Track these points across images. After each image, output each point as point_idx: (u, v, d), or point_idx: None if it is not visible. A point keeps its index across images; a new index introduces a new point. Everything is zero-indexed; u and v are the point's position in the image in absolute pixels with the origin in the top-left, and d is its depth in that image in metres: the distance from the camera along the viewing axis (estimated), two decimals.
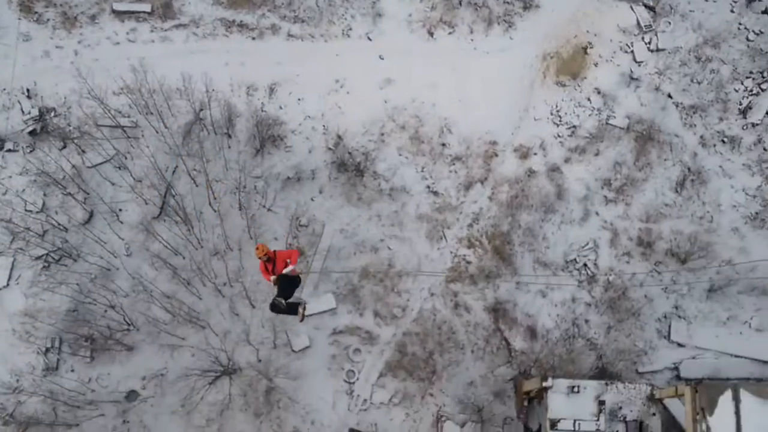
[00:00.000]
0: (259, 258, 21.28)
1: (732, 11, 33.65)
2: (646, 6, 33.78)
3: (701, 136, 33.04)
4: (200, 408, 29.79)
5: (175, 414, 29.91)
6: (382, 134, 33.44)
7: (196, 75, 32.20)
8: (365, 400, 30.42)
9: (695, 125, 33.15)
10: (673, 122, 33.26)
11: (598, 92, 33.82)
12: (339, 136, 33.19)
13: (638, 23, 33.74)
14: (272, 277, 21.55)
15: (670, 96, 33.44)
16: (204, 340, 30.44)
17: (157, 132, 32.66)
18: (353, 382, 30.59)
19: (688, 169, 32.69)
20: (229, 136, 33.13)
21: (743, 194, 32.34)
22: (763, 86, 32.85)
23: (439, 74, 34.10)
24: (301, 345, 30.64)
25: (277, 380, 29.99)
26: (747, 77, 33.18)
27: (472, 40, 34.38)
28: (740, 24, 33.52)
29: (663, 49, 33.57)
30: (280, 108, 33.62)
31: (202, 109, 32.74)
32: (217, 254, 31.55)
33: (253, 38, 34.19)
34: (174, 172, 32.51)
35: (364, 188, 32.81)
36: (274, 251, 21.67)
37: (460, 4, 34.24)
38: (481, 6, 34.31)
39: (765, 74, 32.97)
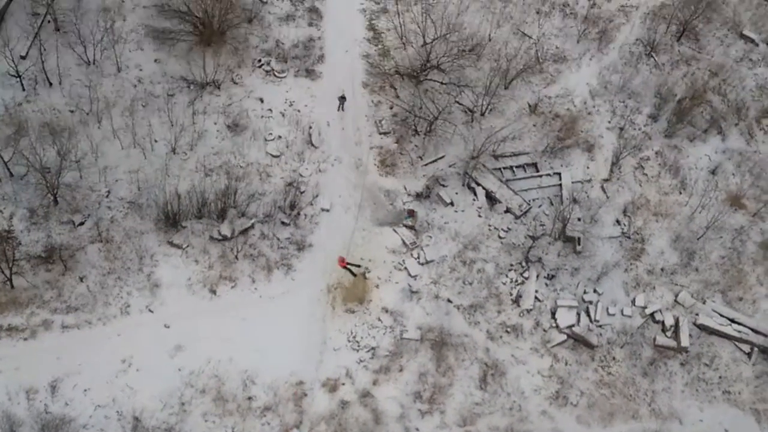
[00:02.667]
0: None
1: (479, 216, 37.59)
2: (406, 227, 36.78)
3: (487, 331, 35.14)
4: None
5: None
6: (183, 404, 31.78)
7: None
8: None
9: (479, 322, 35.32)
10: (459, 324, 35.20)
11: (386, 311, 35.20)
12: (136, 418, 30.99)
13: (404, 243, 36.44)
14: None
15: (449, 301, 35.66)
16: None
17: None
18: None
19: (486, 364, 34.31)
20: None
21: (540, 377, 34.33)
22: (525, 274, 36.32)
23: (230, 328, 33.72)
24: None
25: None
26: (509, 270, 36.52)
27: (255, 289, 34.84)
28: (490, 225, 37.43)
29: (432, 261, 36.24)
30: (66, 404, 30.99)
31: None
32: None
33: (25, 339, 32.02)
34: None
35: None
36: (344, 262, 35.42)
37: (237, 258, 34.98)
38: (257, 256, 35.28)
39: (523, 264, 36.56)
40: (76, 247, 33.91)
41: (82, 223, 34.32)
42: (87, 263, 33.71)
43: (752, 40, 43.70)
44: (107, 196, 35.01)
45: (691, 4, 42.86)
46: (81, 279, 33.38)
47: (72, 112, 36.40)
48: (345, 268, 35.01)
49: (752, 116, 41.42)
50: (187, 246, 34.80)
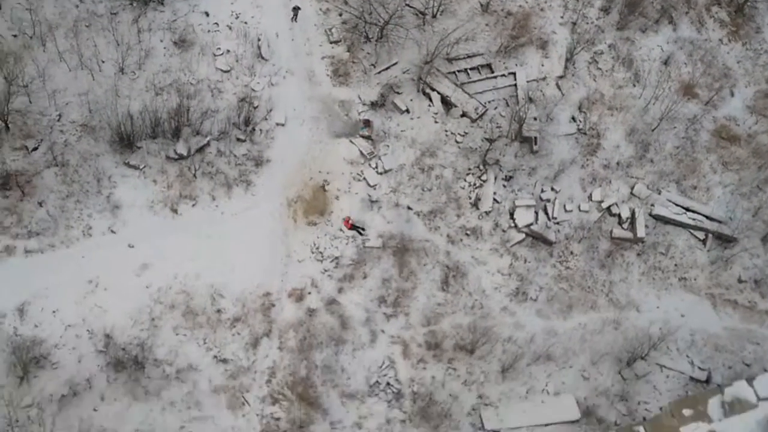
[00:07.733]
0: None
1: (435, 122, 37.63)
2: (363, 137, 36.82)
3: (448, 235, 35.73)
4: None
5: None
6: (153, 319, 32.60)
7: None
8: None
9: (439, 227, 35.87)
10: (419, 230, 35.76)
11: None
12: (107, 336, 31.85)
13: (361, 153, 36.53)
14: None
15: (410, 208, 36.10)
16: None
17: None
18: None
19: (447, 267, 35.06)
20: None
21: (500, 275, 35.15)
22: (483, 177, 36.61)
23: (195, 246, 34.24)
24: None
25: None
26: (467, 174, 36.79)
27: (217, 206, 35.14)
28: (446, 130, 37.51)
29: (390, 170, 36.44)
30: (36, 326, 31.71)
31: None
32: None
33: None
34: None
35: (149, 379, 31.46)
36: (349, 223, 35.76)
37: (195, 176, 35.11)
38: (215, 174, 35.40)
39: (481, 167, 36.83)
40: (32, 172, 33.91)
41: (35, 148, 34.22)
42: (45, 188, 33.82)
43: None
44: (59, 120, 34.76)
45: None
46: (40, 204, 33.53)
47: (15, 36, 35.73)
48: (351, 228, 35.19)
49: (702, 4, 41.04)
50: (144, 166, 34.86)
